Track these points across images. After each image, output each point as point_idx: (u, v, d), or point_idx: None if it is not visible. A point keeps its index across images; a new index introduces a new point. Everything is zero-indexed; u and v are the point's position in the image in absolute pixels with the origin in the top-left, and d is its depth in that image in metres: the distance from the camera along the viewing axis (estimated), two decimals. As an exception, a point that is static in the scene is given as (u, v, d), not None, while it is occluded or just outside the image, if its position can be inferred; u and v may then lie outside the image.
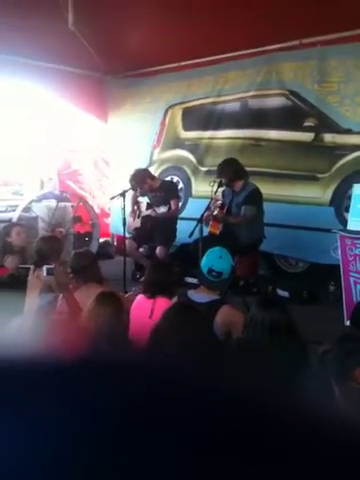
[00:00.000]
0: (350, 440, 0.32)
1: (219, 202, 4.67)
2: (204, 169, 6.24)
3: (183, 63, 6.28)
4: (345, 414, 0.38)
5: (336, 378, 1.58)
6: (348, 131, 5.08)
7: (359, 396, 1.47)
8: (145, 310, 2.94)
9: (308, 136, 5.37)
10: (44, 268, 3.00)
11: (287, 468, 0.29)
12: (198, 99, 6.29)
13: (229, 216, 4.72)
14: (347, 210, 5.02)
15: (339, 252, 4.03)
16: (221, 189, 4.80)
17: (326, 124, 5.23)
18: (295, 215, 5.31)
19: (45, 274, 2.99)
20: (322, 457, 0.30)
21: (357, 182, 4.98)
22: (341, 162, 5.14)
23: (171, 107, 6.62)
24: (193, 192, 6.34)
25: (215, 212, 4.57)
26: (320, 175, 5.28)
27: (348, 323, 3.76)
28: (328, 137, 5.23)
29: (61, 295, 3.06)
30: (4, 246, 4.24)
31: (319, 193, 5.29)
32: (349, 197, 5.05)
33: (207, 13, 4.71)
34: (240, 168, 4.81)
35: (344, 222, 5.01)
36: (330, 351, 1.78)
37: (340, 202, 5.15)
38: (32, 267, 3.18)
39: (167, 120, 6.68)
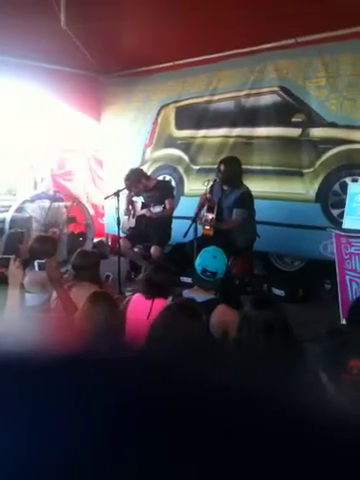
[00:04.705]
0: (344, 433, 0.32)
1: (204, 209, 4.55)
2: (196, 167, 6.24)
3: (177, 62, 6.25)
4: (339, 407, 0.38)
5: (328, 371, 1.56)
6: (332, 125, 5.06)
7: (352, 388, 1.46)
8: (143, 310, 2.92)
9: (296, 131, 5.35)
10: (36, 263, 3.00)
11: (284, 462, 0.29)
12: (192, 98, 6.27)
13: (220, 222, 4.62)
14: (334, 206, 5.05)
15: (334, 250, 4.03)
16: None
17: (313, 119, 5.22)
18: (283, 212, 5.31)
19: (37, 269, 2.98)
20: (318, 450, 0.30)
21: (340, 178, 5.02)
22: (325, 156, 5.13)
23: (164, 106, 6.61)
24: (186, 191, 6.33)
25: (207, 215, 4.50)
26: (305, 170, 5.27)
27: (344, 322, 3.76)
28: (313, 131, 5.22)
29: (55, 294, 3.03)
30: (14, 251, 4.10)
31: (304, 189, 5.28)
32: (334, 193, 5.07)
33: (202, 11, 4.70)
34: (241, 169, 4.79)
35: (332, 218, 5.01)
36: (321, 345, 1.76)
37: (326, 198, 5.14)
38: (13, 257, 3.12)
39: (160, 119, 6.66)
